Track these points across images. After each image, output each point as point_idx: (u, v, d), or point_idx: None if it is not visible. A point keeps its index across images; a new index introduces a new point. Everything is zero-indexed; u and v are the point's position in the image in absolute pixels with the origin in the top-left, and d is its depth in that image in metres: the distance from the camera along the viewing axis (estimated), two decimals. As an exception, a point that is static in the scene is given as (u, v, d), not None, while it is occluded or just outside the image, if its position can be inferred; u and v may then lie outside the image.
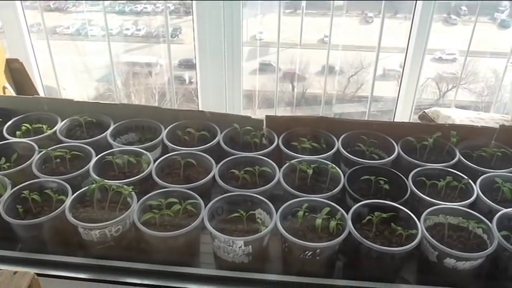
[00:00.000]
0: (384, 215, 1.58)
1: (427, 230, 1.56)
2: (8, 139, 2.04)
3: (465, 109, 3.66)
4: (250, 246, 1.53)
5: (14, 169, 1.85)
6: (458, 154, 1.92)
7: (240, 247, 1.52)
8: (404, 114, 4.08)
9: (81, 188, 1.73)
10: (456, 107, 4.02)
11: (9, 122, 2.13)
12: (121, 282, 1.55)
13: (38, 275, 1.45)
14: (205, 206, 1.64)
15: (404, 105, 4.09)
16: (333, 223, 1.55)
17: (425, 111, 2.67)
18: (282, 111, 5.22)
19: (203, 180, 1.76)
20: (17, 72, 3.00)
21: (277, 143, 1.98)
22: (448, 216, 1.61)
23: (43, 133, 2.06)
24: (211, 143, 1.98)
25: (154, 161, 1.88)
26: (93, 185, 1.67)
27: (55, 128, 2.08)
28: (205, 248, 1.72)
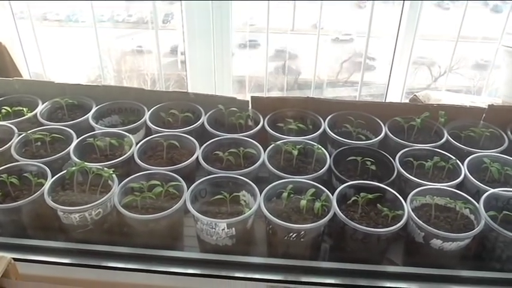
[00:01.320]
0: (370, 196, 1.55)
1: (413, 211, 1.53)
2: (-13, 122, 1.99)
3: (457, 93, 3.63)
4: (233, 229, 1.50)
5: (-8, 152, 1.80)
6: (446, 134, 1.89)
7: (223, 229, 1.49)
8: (395, 98, 4.05)
9: (62, 171, 1.69)
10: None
11: (-12, 106, 2.08)
12: (103, 266, 1.52)
13: (17, 259, 1.42)
14: (188, 188, 1.60)
15: (396, 89, 4.07)
16: (317, 204, 1.52)
17: (416, 94, 2.63)
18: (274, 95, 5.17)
19: (186, 162, 1.73)
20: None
21: (263, 124, 1.94)
22: (435, 197, 1.58)
23: (23, 116, 2.01)
24: (195, 124, 1.94)
25: (137, 143, 1.83)
26: (73, 168, 1.63)
27: (36, 111, 2.04)
28: (189, 231, 1.69)
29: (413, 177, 1.68)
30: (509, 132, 1.92)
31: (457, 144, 1.85)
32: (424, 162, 1.73)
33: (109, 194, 1.58)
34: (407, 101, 3.48)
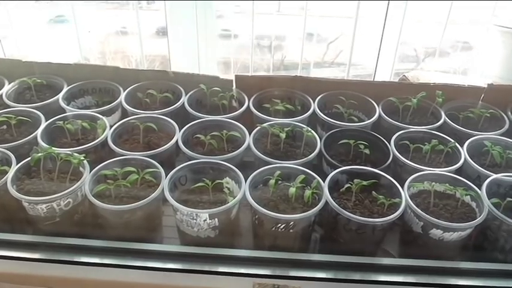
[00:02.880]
0: (364, 183, 1.42)
1: (411, 198, 1.41)
2: None
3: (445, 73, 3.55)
4: (216, 219, 1.37)
5: (-51, 138, 1.65)
6: (443, 116, 1.78)
7: (204, 220, 1.36)
8: (383, 78, 3.95)
9: (28, 158, 1.54)
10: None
11: (-51, 86, 1.91)
12: (73, 261, 1.38)
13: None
14: (167, 175, 1.46)
15: (383, 70, 3.98)
16: (308, 192, 1.39)
17: (405, 74, 2.52)
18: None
19: (164, 146, 1.59)
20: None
21: (248, 105, 1.80)
22: (433, 183, 1.46)
23: (-13, 97, 1.86)
24: (174, 105, 1.79)
25: (112, 127, 1.69)
26: (38, 154, 1.48)
27: (1, 92, 1.87)
28: (168, 221, 1.56)
29: (410, 161, 1.56)
30: (509, 113, 1.81)
31: (456, 126, 1.73)
32: (421, 146, 1.62)
33: (79, 182, 1.43)
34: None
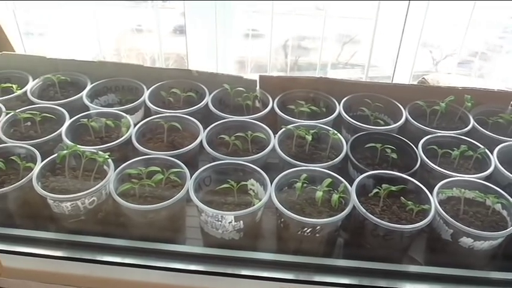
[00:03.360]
0: (393, 188, 1.40)
1: (439, 205, 1.38)
2: (-28, 99, 1.83)
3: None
4: (241, 222, 1.35)
5: (-23, 133, 1.65)
6: (472, 120, 1.74)
7: (230, 222, 1.35)
8: (401, 81, 3.91)
9: (53, 155, 1.54)
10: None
11: (-26, 81, 1.92)
12: (96, 260, 1.37)
13: (1, 251, 1.28)
14: (191, 176, 1.45)
15: (402, 71, 3.94)
16: (335, 196, 1.37)
17: (425, 77, 2.48)
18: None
19: (189, 146, 1.57)
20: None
21: (272, 106, 1.78)
22: (463, 190, 1.43)
23: (12, 93, 1.85)
24: (198, 105, 1.77)
25: (135, 125, 1.68)
26: (64, 151, 1.47)
27: (26, 88, 1.88)
28: (191, 221, 1.54)
29: (438, 167, 1.53)
30: (540, 119, 1.77)
31: (485, 131, 1.69)
32: (450, 151, 1.58)
33: (104, 180, 1.42)
34: (414, 83, 3.36)
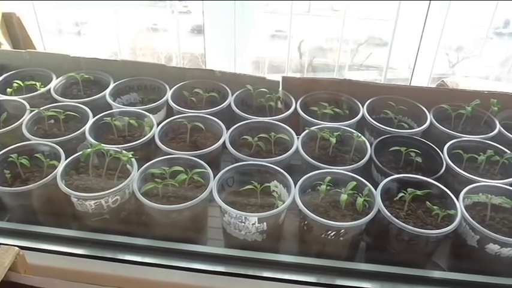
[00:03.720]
0: (419, 192, 1.38)
1: (466, 210, 1.36)
2: (-3, 97, 1.84)
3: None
4: (264, 223, 1.35)
5: (2, 130, 1.66)
6: (498, 125, 1.71)
7: (253, 224, 1.34)
8: (419, 83, 3.88)
9: (76, 153, 1.54)
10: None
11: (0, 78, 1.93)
12: (119, 259, 1.37)
13: (26, 248, 1.29)
14: (214, 176, 1.45)
15: (419, 74, 3.90)
16: (360, 200, 1.35)
17: (444, 80, 2.45)
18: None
19: (212, 146, 1.57)
20: (13, 28, 2.79)
21: (295, 107, 1.77)
22: (490, 196, 1.41)
23: (36, 91, 1.87)
24: (221, 105, 1.77)
25: (158, 124, 1.68)
26: (88, 150, 1.48)
27: (49, 86, 1.89)
28: (213, 222, 1.54)
29: (464, 171, 1.51)
30: None
31: (511, 136, 1.67)
32: (476, 156, 1.56)
33: (128, 179, 1.43)
34: (432, 86, 3.32)
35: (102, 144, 1.52)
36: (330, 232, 1.33)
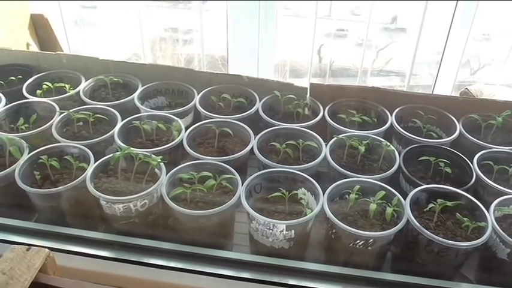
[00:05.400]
0: (449, 204, 1.36)
1: (496, 223, 1.34)
2: (27, 98, 1.87)
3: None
4: (292, 231, 1.34)
5: (32, 131, 1.68)
6: (529, 136, 1.69)
7: (281, 231, 1.34)
8: (442, 91, 3.84)
9: (105, 156, 1.56)
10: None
11: (30, 80, 1.96)
12: (145, 263, 1.38)
13: (54, 249, 1.30)
14: (242, 182, 1.45)
15: (442, 81, 3.86)
16: (389, 210, 1.34)
17: (468, 88, 2.42)
18: (307, 82, 5.02)
19: (241, 152, 1.57)
20: (41, 29, 2.83)
21: (323, 114, 1.77)
22: (522, 208, 1.39)
23: (65, 93, 1.89)
24: (249, 111, 1.77)
25: (186, 129, 1.69)
26: (118, 153, 1.49)
27: (78, 88, 1.91)
28: (238, 227, 1.54)
29: (494, 183, 1.49)
30: None
31: (543, 148, 1.65)
32: (506, 167, 1.54)
33: (157, 183, 1.43)
34: (455, 94, 3.28)
35: (132, 148, 1.53)
36: (358, 241, 1.32)
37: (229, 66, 3.87)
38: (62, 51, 2.84)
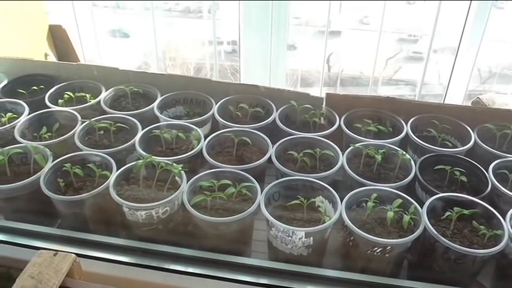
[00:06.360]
0: (466, 212, 1.39)
1: (512, 231, 1.37)
2: (49, 107, 1.91)
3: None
4: (311, 238, 1.37)
5: (55, 140, 1.73)
6: (545, 146, 1.71)
7: (300, 238, 1.37)
8: (453, 100, 3.85)
9: (126, 163, 1.60)
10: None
11: (51, 90, 2.01)
12: (167, 269, 1.41)
13: (77, 255, 1.33)
14: (261, 190, 1.48)
15: (452, 90, 3.88)
16: (406, 218, 1.37)
17: (480, 97, 2.44)
18: (317, 91, 5.05)
19: (259, 161, 1.60)
20: (59, 39, 2.89)
21: (339, 123, 1.80)
22: (537, 217, 1.41)
23: (86, 102, 1.94)
24: (266, 120, 1.80)
25: (205, 138, 1.72)
26: (141, 161, 1.53)
27: (99, 98, 1.95)
28: (256, 235, 1.57)
29: (510, 191, 1.51)
30: None
31: (557, 157, 1.66)
32: (522, 176, 1.56)
33: (178, 191, 1.47)
34: (466, 103, 3.29)
35: (153, 156, 1.56)
36: (376, 248, 1.34)
37: (241, 75, 3.90)
38: (79, 60, 2.89)
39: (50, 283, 1.20)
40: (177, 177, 1.55)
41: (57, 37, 2.90)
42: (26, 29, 2.65)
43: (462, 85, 4.00)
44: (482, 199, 1.47)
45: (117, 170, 1.56)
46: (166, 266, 1.42)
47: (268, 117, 1.82)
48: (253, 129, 1.75)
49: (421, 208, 1.41)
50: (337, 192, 1.48)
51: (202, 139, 1.70)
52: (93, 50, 3.93)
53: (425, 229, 1.36)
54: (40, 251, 1.29)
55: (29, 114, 1.87)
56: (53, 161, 1.60)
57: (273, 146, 1.68)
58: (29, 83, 2.06)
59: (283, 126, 1.77)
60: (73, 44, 2.95)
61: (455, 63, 3.80)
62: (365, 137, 1.75)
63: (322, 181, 1.52)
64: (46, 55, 2.78)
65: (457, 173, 1.56)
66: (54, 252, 1.28)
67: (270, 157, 1.64)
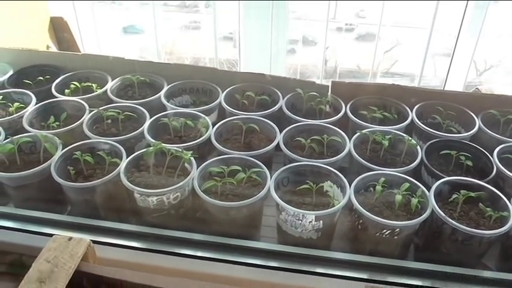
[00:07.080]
0: (472, 194, 1.41)
1: (517, 213, 1.39)
2: (56, 97, 1.93)
3: None
4: (321, 222, 1.39)
5: (63, 128, 1.74)
6: (548, 131, 1.74)
7: (310, 222, 1.39)
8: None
9: (134, 151, 1.61)
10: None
11: (58, 80, 2.02)
12: (177, 253, 1.43)
13: (94, 242, 1.35)
14: (271, 176, 1.50)
15: (451, 82, 3.91)
16: (414, 200, 1.40)
17: (478, 87, 2.48)
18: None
19: (268, 147, 1.62)
20: (60, 31, 2.90)
21: (345, 110, 1.82)
22: (542, 199, 1.44)
23: (92, 92, 1.95)
24: (273, 108, 1.82)
25: (214, 125, 1.74)
26: (151, 148, 1.54)
27: (105, 87, 1.97)
28: (264, 220, 1.59)
29: (514, 175, 1.54)
30: None
31: (560, 141, 1.69)
32: (525, 161, 1.59)
33: (188, 177, 1.49)
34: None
35: (163, 144, 1.58)
36: (384, 231, 1.37)
37: (240, 68, 3.92)
38: (80, 51, 2.90)
39: (66, 267, 1.22)
40: (186, 164, 1.56)
41: (59, 29, 2.91)
42: (27, 21, 2.66)
43: (460, 77, 4.03)
44: (487, 183, 1.50)
45: (127, 158, 1.57)
46: (177, 250, 1.44)
47: (275, 105, 1.84)
48: (261, 116, 1.77)
49: (428, 192, 1.44)
50: (345, 178, 1.50)
51: (210, 126, 1.72)
52: (91, 44, 3.94)
53: (432, 212, 1.38)
54: (55, 236, 1.31)
55: (36, 104, 1.88)
56: (62, 149, 1.62)
57: (281, 133, 1.69)
58: (34, 73, 2.07)
59: (290, 114, 1.79)
60: (75, 36, 2.96)
61: (454, 55, 3.83)
62: (371, 124, 1.77)
63: (330, 166, 1.54)
64: (48, 47, 2.78)
65: (463, 158, 1.58)
66: (68, 237, 1.30)
67: (276, 145, 1.66)
